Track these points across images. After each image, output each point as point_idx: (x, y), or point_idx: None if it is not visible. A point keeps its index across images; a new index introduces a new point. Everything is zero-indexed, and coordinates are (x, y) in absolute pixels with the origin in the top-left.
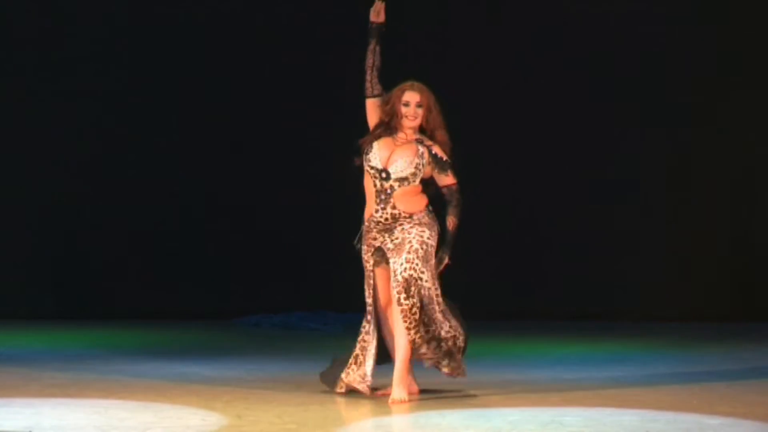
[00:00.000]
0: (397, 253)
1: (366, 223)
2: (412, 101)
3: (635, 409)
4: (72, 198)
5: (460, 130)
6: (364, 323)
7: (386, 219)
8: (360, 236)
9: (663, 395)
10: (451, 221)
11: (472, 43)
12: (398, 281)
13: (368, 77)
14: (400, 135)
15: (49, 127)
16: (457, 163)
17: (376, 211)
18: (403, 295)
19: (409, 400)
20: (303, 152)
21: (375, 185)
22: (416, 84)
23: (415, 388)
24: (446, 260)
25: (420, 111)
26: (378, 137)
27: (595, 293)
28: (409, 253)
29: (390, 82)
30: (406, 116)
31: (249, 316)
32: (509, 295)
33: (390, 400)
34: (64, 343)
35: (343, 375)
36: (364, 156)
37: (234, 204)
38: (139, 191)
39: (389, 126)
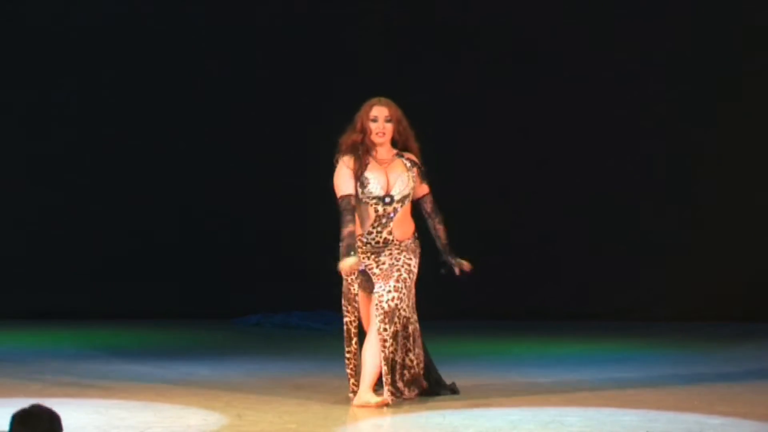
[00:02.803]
0: (384, 279)
1: (347, 242)
2: (380, 116)
3: (636, 409)
4: (72, 197)
5: (462, 129)
6: (349, 349)
7: (377, 242)
8: (341, 257)
9: (663, 395)
10: (441, 229)
11: (478, 47)
12: (383, 309)
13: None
14: (380, 153)
15: (49, 126)
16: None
17: (369, 233)
18: (385, 325)
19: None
20: (304, 152)
21: (376, 211)
22: (383, 99)
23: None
24: (464, 264)
25: (390, 126)
26: (358, 158)
27: (595, 293)
28: (397, 282)
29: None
30: (376, 133)
31: (249, 316)
32: (509, 295)
33: (355, 402)
34: (64, 343)
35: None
36: (357, 187)
37: (234, 204)
38: (139, 191)
39: (364, 145)
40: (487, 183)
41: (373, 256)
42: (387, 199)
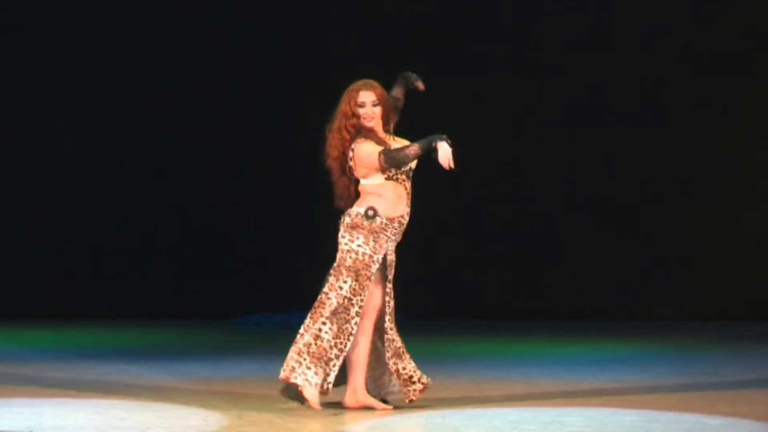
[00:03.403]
0: (389, 275)
1: (382, 220)
2: (368, 101)
3: (636, 409)
4: (73, 199)
5: (462, 130)
6: (352, 326)
7: (405, 223)
8: (357, 230)
9: (664, 395)
10: None
11: (482, 45)
12: (391, 308)
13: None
14: (380, 133)
15: (50, 127)
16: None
17: (402, 216)
18: (392, 324)
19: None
20: (304, 153)
21: (406, 188)
22: (367, 82)
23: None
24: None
25: (378, 110)
26: (374, 138)
27: (595, 293)
28: (390, 282)
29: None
30: (364, 117)
31: (249, 316)
32: (510, 294)
33: (354, 404)
34: (64, 343)
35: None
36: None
37: (234, 204)
38: (139, 192)
39: (365, 128)
40: (488, 183)
41: (395, 239)
42: (410, 174)
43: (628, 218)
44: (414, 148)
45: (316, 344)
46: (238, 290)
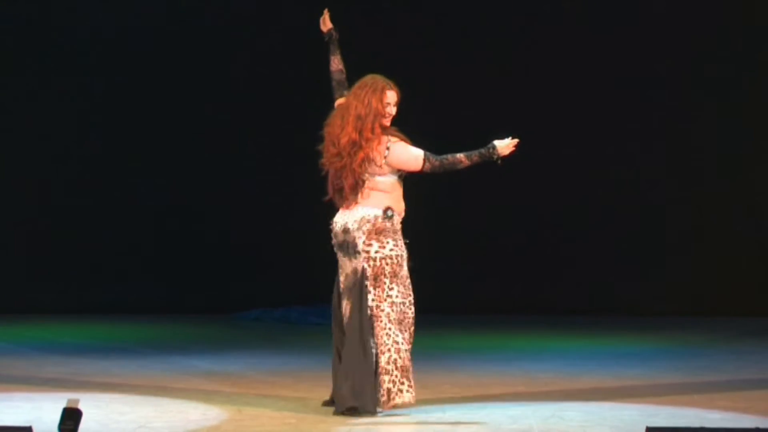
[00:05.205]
0: None
1: (398, 217)
2: (392, 101)
3: (636, 404)
4: (73, 194)
5: (463, 126)
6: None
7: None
8: (384, 234)
9: (663, 390)
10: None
11: (481, 44)
12: None
13: (332, 84)
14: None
15: (50, 126)
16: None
17: (403, 212)
18: None
19: None
20: (304, 150)
21: (401, 188)
22: (390, 82)
23: None
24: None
25: (394, 110)
26: (402, 136)
27: (595, 288)
28: None
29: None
30: (387, 116)
31: (249, 311)
32: (510, 289)
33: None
34: (64, 337)
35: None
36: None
37: (234, 200)
38: (139, 188)
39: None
40: (488, 178)
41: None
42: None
43: (628, 216)
44: (465, 162)
45: (400, 357)
46: (238, 285)
